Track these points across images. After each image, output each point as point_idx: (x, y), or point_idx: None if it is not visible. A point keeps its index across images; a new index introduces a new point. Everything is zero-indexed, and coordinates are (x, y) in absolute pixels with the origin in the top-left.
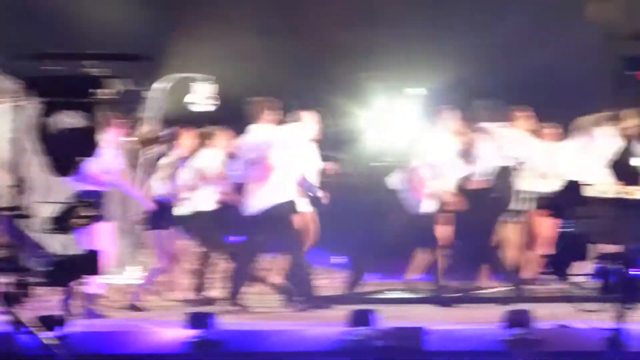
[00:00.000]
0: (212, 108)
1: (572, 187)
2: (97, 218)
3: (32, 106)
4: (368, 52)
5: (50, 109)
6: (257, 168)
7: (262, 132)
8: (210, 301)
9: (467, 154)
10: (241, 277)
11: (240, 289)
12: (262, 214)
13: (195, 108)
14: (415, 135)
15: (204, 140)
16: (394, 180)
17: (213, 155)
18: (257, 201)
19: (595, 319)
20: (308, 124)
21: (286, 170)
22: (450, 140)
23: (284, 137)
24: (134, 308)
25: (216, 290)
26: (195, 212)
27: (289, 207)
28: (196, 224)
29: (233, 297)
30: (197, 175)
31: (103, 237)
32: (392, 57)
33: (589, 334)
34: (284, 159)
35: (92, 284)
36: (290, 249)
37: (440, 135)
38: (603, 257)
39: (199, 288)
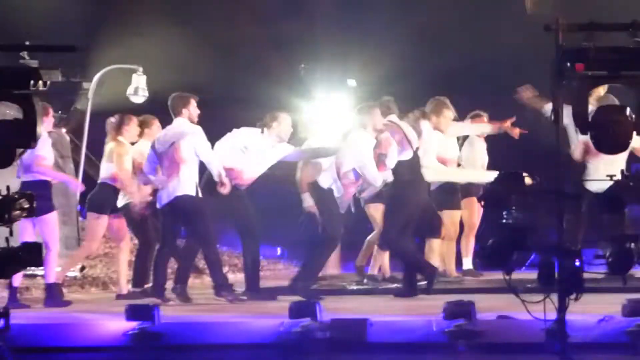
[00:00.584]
0: (142, 100)
1: (512, 177)
2: (39, 209)
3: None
4: (305, 43)
5: None
6: (167, 160)
7: (178, 125)
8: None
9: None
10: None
11: (163, 280)
12: (169, 206)
13: (130, 99)
14: (345, 132)
15: (142, 129)
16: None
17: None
18: (165, 193)
19: (536, 310)
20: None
21: (194, 165)
22: (369, 138)
23: (197, 132)
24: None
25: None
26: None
27: (192, 201)
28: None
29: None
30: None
31: (45, 228)
32: (329, 49)
33: (530, 325)
34: (193, 153)
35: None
36: (200, 241)
37: (361, 133)
38: (544, 248)
39: (139, 279)
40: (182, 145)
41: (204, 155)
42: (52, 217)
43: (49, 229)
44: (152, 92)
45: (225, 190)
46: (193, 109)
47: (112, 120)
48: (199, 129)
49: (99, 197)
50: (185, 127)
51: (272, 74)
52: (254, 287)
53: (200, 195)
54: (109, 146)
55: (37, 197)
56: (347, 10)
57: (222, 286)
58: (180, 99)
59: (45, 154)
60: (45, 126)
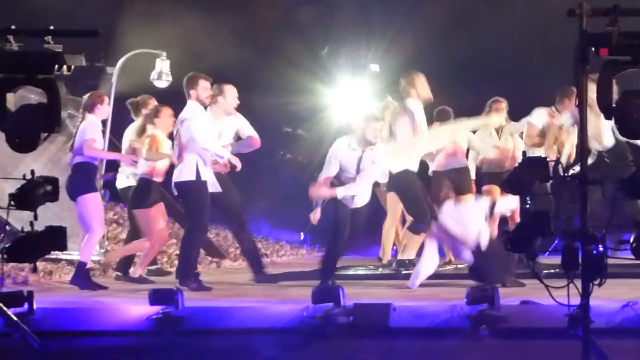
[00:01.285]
0: (166, 84)
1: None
2: (78, 190)
3: None
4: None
5: (8, 84)
6: (176, 146)
7: (185, 109)
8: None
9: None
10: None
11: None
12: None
13: (154, 83)
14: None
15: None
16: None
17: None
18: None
19: (559, 295)
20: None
21: (195, 150)
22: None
23: (194, 116)
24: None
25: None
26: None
27: (188, 187)
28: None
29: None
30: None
31: (84, 209)
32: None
33: (553, 310)
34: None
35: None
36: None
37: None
38: (568, 233)
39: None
40: (182, 132)
41: (199, 141)
42: (91, 198)
43: (87, 209)
44: (175, 77)
45: (226, 170)
46: (202, 90)
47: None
48: (198, 111)
49: (141, 193)
50: (185, 113)
51: (294, 59)
52: (259, 269)
53: (202, 179)
54: (147, 141)
55: (78, 177)
56: None
57: (184, 273)
58: (188, 80)
59: (95, 137)
60: (100, 113)
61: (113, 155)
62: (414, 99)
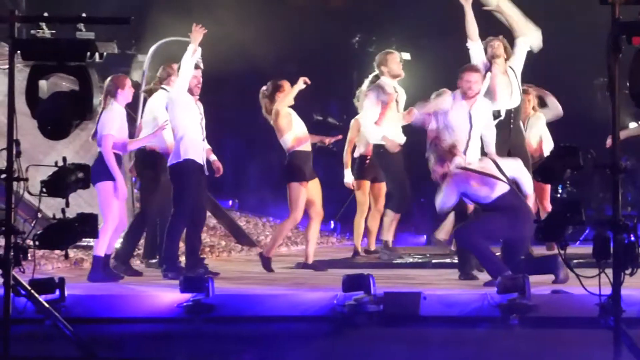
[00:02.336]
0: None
1: (567, 152)
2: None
3: (23, 69)
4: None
5: (40, 71)
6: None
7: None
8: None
9: None
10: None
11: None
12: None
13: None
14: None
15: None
16: None
17: None
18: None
19: (590, 285)
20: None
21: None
22: None
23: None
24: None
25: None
26: None
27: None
28: None
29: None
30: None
31: (98, 197)
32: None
33: (584, 300)
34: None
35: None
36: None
37: None
38: (599, 222)
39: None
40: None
41: None
42: (104, 187)
43: (100, 198)
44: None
45: None
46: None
47: (264, 89)
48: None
49: (295, 166)
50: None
51: (324, 47)
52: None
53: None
54: (284, 113)
55: (97, 165)
56: None
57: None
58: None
59: (115, 130)
60: (123, 98)
61: (134, 144)
62: (385, 76)
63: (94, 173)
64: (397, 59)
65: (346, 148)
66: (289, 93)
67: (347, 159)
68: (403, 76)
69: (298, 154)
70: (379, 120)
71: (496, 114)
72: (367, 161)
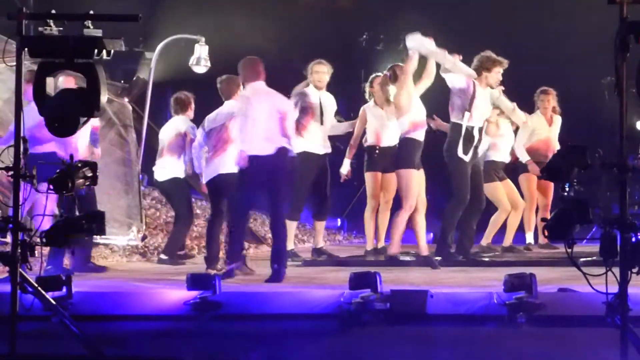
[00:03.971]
0: (204, 70)
1: (574, 150)
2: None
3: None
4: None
5: (48, 69)
6: (215, 139)
7: (228, 105)
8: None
9: None
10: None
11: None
12: (213, 182)
13: (193, 69)
14: None
15: (177, 106)
16: None
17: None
18: (211, 169)
19: (597, 283)
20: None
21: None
22: None
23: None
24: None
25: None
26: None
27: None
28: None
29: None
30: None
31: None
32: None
33: (591, 298)
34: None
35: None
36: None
37: None
38: (606, 221)
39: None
40: (231, 125)
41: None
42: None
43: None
44: (214, 63)
45: None
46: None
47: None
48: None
49: (407, 152)
50: (236, 109)
51: (332, 45)
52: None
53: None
54: (407, 92)
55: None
56: None
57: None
58: (230, 82)
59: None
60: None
61: None
62: (311, 85)
63: None
64: (324, 70)
65: (353, 140)
66: (408, 73)
67: (350, 149)
68: (323, 88)
69: (410, 141)
70: (301, 129)
71: None
72: (377, 151)
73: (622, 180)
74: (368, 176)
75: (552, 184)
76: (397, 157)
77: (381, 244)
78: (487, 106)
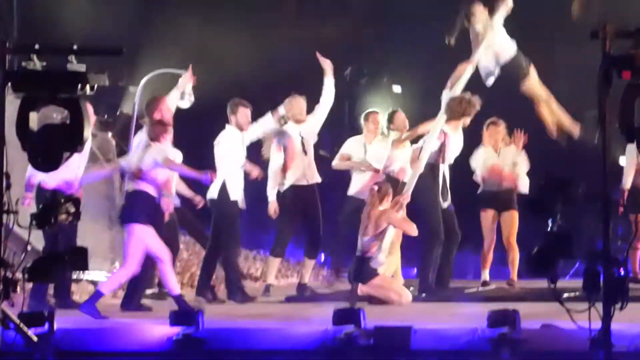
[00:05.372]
0: (188, 104)
1: (556, 184)
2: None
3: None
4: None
5: (31, 103)
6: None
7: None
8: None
9: None
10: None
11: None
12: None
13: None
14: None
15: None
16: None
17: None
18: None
19: (580, 319)
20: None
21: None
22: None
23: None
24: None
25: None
26: None
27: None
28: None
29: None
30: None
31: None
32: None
33: (575, 334)
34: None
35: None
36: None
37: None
38: (589, 255)
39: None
40: (216, 153)
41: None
42: (134, 229)
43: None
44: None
45: None
46: (241, 116)
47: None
48: (230, 136)
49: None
50: (220, 136)
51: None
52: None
53: (232, 199)
54: None
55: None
56: (393, 13)
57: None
58: (230, 106)
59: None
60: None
61: None
62: (290, 121)
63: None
64: (300, 104)
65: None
66: None
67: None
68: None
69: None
70: (287, 165)
71: None
72: None
73: (606, 215)
74: None
75: (515, 217)
76: None
77: None
78: (459, 146)
